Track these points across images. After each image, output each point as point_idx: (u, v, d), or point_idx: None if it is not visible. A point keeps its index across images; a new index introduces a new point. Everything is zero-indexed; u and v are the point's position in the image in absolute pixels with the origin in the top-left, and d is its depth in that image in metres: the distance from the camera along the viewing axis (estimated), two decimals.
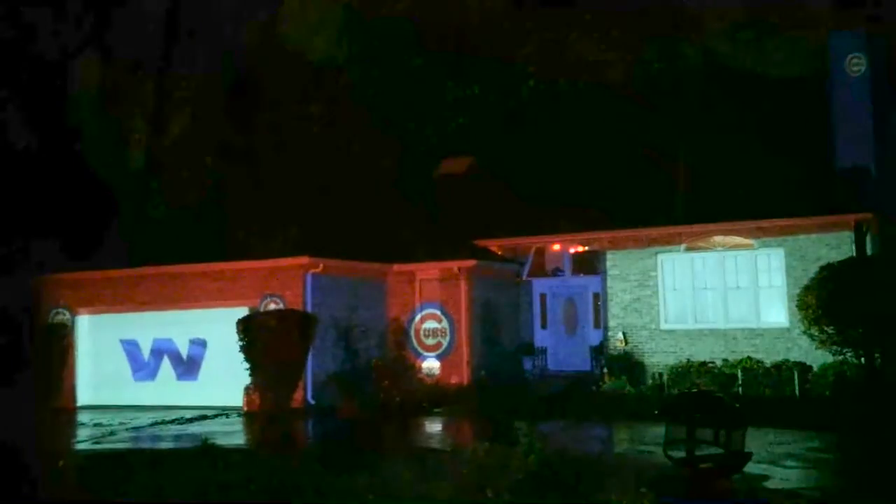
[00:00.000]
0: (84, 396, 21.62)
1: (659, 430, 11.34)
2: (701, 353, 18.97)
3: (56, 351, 21.35)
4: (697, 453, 9.79)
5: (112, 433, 16.41)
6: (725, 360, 18.42)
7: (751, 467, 10.35)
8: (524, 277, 22.35)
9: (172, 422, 17.55)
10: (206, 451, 11.91)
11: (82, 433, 16.74)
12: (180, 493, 9.85)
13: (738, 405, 11.19)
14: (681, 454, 9.85)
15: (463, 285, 20.80)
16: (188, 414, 18.44)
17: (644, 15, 24.59)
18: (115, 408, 20.49)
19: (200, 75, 26.28)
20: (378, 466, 10.90)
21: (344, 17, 26.29)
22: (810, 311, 16.82)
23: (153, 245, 22.33)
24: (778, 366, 17.77)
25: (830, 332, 16.57)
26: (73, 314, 21.92)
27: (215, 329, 19.88)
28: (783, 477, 10.58)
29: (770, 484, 10.12)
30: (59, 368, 21.32)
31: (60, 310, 21.95)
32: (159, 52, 26.10)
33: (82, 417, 19.20)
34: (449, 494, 9.20)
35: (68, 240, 21.61)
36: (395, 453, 12.34)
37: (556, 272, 22.77)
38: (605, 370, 19.53)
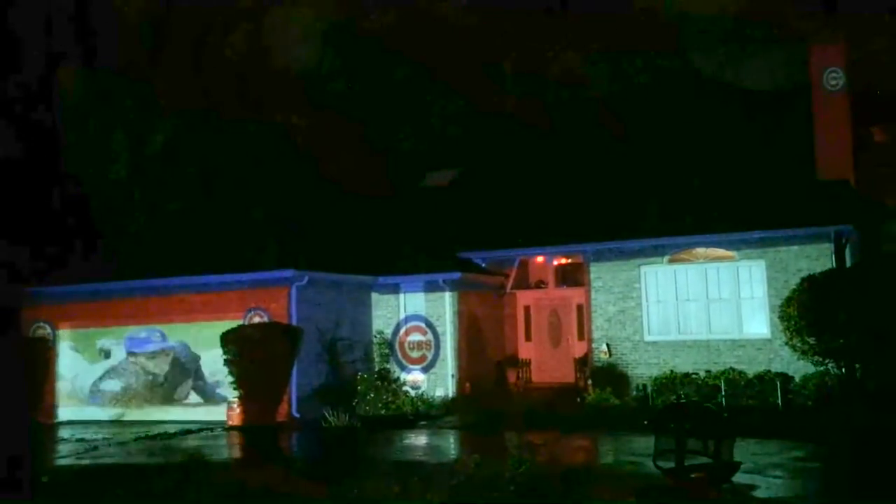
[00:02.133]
0: (65, 411, 21.38)
1: (645, 441, 11.43)
2: (684, 365, 19.10)
3: (37, 365, 21.08)
4: (687, 463, 9.87)
5: (95, 448, 16.23)
6: (708, 371, 18.55)
7: (738, 477, 10.45)
8: (508, 290, 22.42)
9: (156, 437, 17.37)
10: (193, 464, 11.81)
11: (64, 448, 16.54)
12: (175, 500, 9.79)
13: (725, 415, 11.29)
14: (670, 464, 9.93)
15: (448, 298, 20.85)
16: (171, 429, 18.28)
17: (627, 28, 24.87)
18: (96, 423, 20.28)
19: (184, 86, 26.22)
20: (366, 479, 10.88)
21: (328, 30, 26.36)
22: (792, 322, 17.03)
23: (136, 258, 22.15)
24: (760, 376, 17.93)
25: (811, 342, 16.77)
26: (55, 328, 21.71)
27: (199, 343, 19.83)
28: (769, 486, 10.68)
29: (758, 493, 10.20)
30: (40, 383, 21.07)
31: (41, 323, 21.73)
32: (142, 62, 26.02)
33: (63, 433, 18.97)
34: None
35: (50, 252, 21.40)
36: (382, 466, 12.31)
37: (540, 284, 22.86)
38: (590, 382, 19.61)
